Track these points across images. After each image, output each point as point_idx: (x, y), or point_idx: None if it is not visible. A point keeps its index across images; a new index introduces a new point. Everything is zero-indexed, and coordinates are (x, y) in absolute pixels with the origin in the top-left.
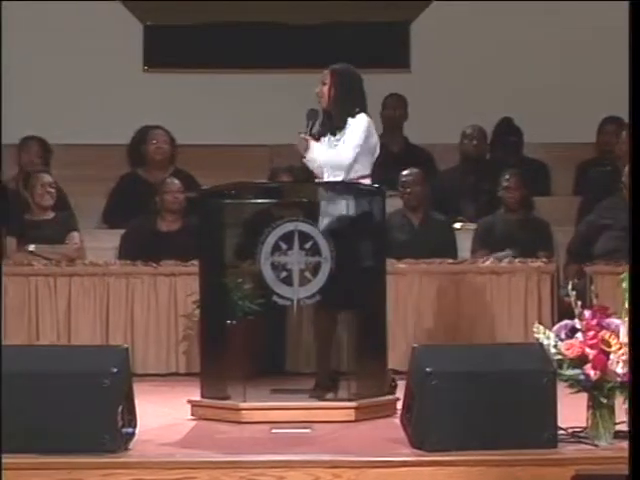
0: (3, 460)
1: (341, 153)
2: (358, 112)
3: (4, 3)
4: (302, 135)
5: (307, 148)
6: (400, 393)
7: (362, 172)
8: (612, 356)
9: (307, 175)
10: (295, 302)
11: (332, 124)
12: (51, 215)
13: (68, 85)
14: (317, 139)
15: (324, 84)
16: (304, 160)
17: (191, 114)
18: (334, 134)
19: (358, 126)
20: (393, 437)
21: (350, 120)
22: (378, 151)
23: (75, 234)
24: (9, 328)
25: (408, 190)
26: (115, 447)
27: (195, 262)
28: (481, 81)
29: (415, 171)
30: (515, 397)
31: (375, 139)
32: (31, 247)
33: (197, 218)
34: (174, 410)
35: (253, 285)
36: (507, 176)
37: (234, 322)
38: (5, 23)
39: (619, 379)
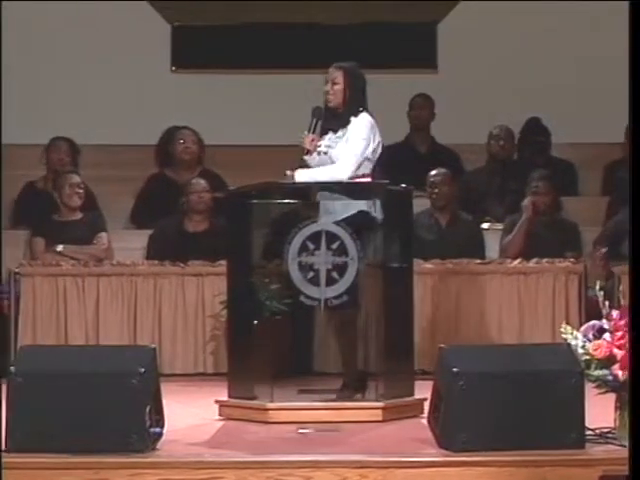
0: (31, 459)
1: (338, 171)
2: (361, 111)
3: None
4: (306, 134)
5: (313, 146)
6: (427, 393)
7: (363, 171)
8: None
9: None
10: (322, 302)
11: (338, 123)
12: (79, 216)
13: (96, 86)
14: (320, 137)
15: (335, 84)
16: (304, 158)
17: (219, 114)
18: (335, 131)
19: (358, 134)
20: (420, 437)
21: (353, 120)
22: (380, 150)
23: (103, 234)
24: (38, 328)
25: (436, 190)
26: (143, 447)
27: (222, 262)
28: (508, 81)
29: (443, 171)
30: (543, 397)
31: (377, 141)
32: (59, 247)
33: (224, 218)
34: (201, 410)
35: (280, 285)
36: (536, 180)
37: (261, 322)
38: (31, 23)
39: None
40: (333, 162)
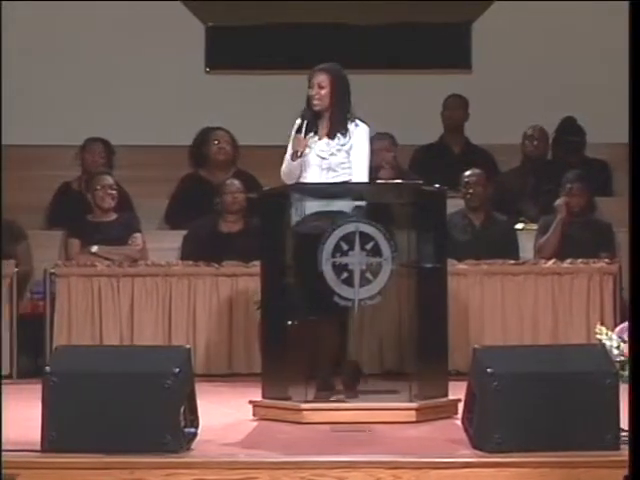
0: (67, 459)
1: (357, 179)
2: (352, 117)
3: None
4: (297, 136)
5: (305, 148)
6: (461, 394)
7: None
8: None
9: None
10: (356, 303)
11: (333, 127)
12: (114, 216)
13: (131, 86)
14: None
15: (321, 87)
16: (294, 161)
17: (253, 115)
18: (332, 138)
19: (365, 147)
20: (454, 438)
21: (352, 128)
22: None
23: (138, 235)
24: (73, 329)
25: (470, 190)
26: (177, 447)
27: (256, 263)
28: (543, 81)
29: (477, 172)
30: (577, 398)
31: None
32: (94, 248)
33: (258, 219)
34: (235, 410)
35: (314, 286)
36: (570, 180)
37: (295, 323)
38: (65, 24)
39: None
40: (334, 170)
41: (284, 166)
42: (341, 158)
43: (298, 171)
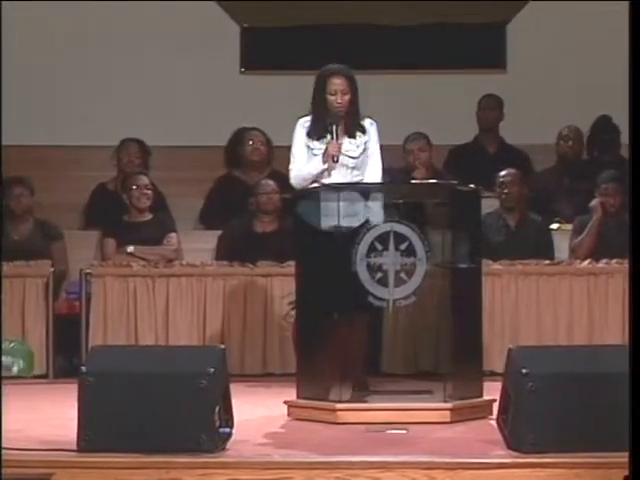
0: (103, 459)
1: (376, 177)
2: (365, 116)
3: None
4: (330, 141)
5: (339, 151)
6: (496, 394)
7: None
8: None
9: (403, 176)
10: (390, 303)
11: (351, 129)
12: (149, 216)
13: (167, 87)
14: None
15: (345, 94)
16: (327, 165)
17: (287, 115)
18: (354, 137)
19: (377, 141)
20: (489, 438)
21: (367, 127)
22: None
23: (173, 235)
24: (109, 329)
25: (505, 191)
26: (212, 447)
27: (291, 263)
28: (578, 80)
29: (513, 171)
30: (612, 399)
31: None
32: (130, 248)
33: (293, 219)
34: (270, 410)
35: (349, 286)
36: (605, 181)
37: (329, 323)
38: (102, 23)
39: None
40: (358, 169)
41: (303, 170)
42: (363, 156)
43: (320, 174)
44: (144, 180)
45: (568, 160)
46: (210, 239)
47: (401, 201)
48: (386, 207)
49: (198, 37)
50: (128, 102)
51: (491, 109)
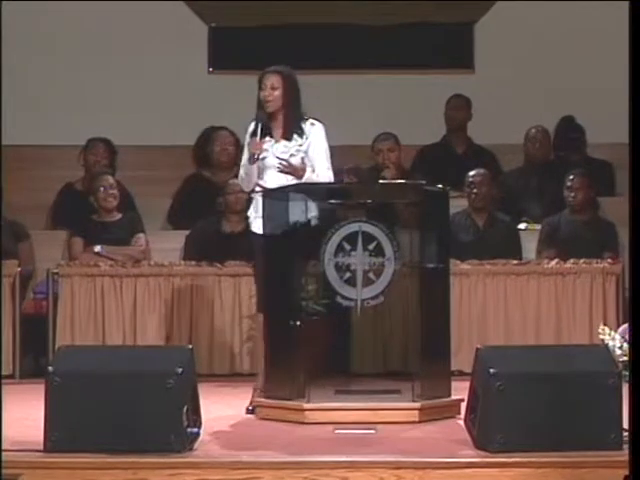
0: (70, 459)
1: (321, 179)
2: (306, 117)
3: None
4: (252, 139)
5: (262, 151)
6: (464, 394)
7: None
8: None
9: (372, 175)
10: (359, 303)
11: (288, 128)
12: (118, 216)
13: (134, 87)
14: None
15: (274, 88)
16: (252, 164)
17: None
18: (289, 139)
19: (323, 142)
20: (457, 438)
21: (307, 127)
22: None
23: (141, 235)
24: (76, 329)
25: (475, 190)
26: (180, 447)
27: None
28: (545, 81)
29: (482, 172)
30: (580, 398)
31: None
32: (97, 248)
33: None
34: (238, 410)
35: (317, 286)
36: (571, 176)
37: (298, 323)
38: (70, 24)
39: None
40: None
41: (241, 172)
42: (299, 159)
43: (255, 176)
44: (110, 180)
45: (536, 160)
46: (178, 239)
47: (369, 201)
48: (354, 207)
49: (166, 37)
50: (96, 101)
51: (459, 109)
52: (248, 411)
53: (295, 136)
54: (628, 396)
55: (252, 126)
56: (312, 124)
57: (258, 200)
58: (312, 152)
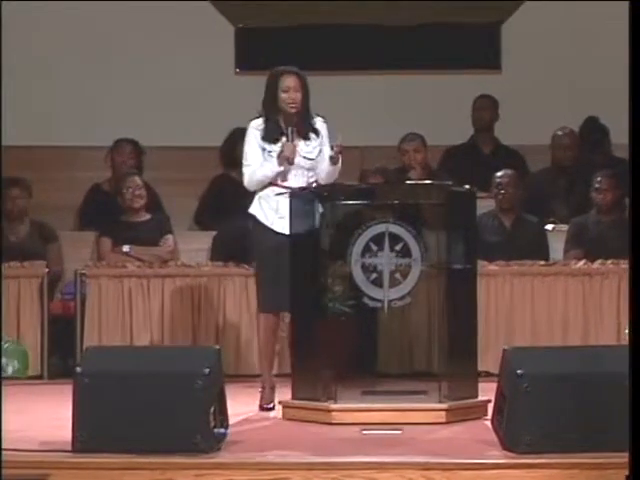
0: (97, 459)
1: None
2: (315, 115)
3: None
4: (285, 142)
5: (294, 153)
6: (491, 395)
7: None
8: None
9: (398, 176)
10: (386, 304)
11: (304, 129)
12: (147, 217)
13: (161, 87)
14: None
15: (297, 91)
16: (283, 167)
17: None
18: (308, 139)
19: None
20: (484, 439)
21: (318, 125)
22: None
23: (170, 237)
24: (104, 329)
25: (502, 191)
26: (207, 448)
27: None
28: (573, 81)
29: (509, 172)
30: (608, 399)
31: None
32: (126, 248)
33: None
34: (265, 411)
35: (343, 287)
36: (599, 178)
37: (325, 323)
38: (97, 24)
39: None
40: (314, 170)
41: (257, 172)
42: (318, 157)
43: (274, 177)
44: (136, 181)
45: (563, 162)
46: (205, 240)
47: (396, 202)
48: (381, 208)
49: (193, 37)
50: (123, 102)
51: (486, 109)
52: (262, 408)
53: (312, 135)
54: (628, 396)
55: (257, 126)
56: (323, 122)
57: (279, 200)
58: (324, 148)
